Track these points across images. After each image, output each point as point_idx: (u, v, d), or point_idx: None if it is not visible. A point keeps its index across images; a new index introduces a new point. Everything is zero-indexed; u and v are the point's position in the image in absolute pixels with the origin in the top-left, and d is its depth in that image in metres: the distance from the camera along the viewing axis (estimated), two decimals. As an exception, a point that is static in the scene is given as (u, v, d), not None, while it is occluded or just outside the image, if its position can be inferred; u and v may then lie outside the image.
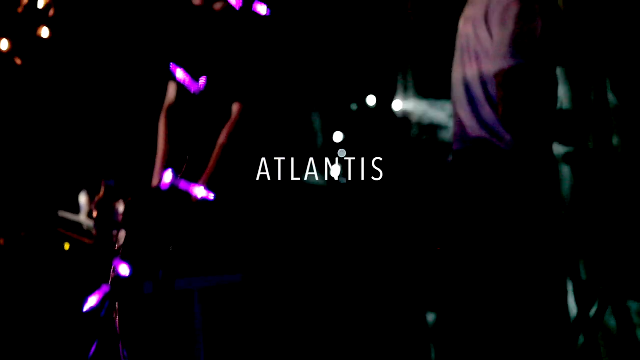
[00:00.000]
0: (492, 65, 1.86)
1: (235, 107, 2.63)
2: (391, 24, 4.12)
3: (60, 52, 3.28)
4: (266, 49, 2.47)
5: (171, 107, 2.96)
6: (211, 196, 1.85)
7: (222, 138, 2.56)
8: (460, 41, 2.04)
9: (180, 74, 1.88)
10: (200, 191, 1.85)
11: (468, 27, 1.99)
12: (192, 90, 1.93)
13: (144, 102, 3.28)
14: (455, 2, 2.26)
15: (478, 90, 1.97)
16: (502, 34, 1.86)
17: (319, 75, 3.96)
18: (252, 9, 1.99)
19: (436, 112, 4.10)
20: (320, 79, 4.00)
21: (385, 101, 4.23)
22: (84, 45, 3.32)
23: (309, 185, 3.51)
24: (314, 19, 3.83)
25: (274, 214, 2.95)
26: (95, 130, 3.52)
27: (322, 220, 3.64)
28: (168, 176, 1.83)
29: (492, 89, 1.92)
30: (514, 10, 1.85)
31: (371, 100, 4.28)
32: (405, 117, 4.17)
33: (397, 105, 4.17)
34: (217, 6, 2.74)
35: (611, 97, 3.94)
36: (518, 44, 1.82)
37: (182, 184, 1.84)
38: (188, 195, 1.85)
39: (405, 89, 4.18)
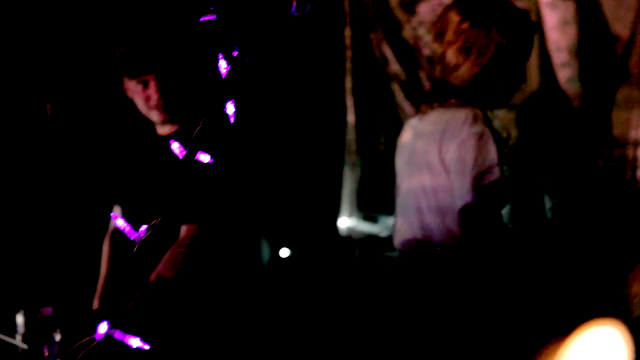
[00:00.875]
0: (451, 199, 1.92)
1: (183, 230, 2.52)
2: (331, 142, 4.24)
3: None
4: (211, 180, 2.44)
5: (116, 230, 2.93)
6: (146, 347, 1.82)
7: (161, 264, 2.42)
8: (405, 153, 2.08)
9: (120, 222, 1.88)
10: (135, 342, 1.82)
11: (420, 142, 2.04)
12: (132, 238, 1.92)
13: (86, 225, 3.25)
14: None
15: (424, 201, 2.01)
16: (460, 168, 1.92)
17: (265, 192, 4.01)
18: (195, 157, 2.02)
19: (378, 228, 4.16)
20: (266, 196, 4.05)
21: (329, 217, 4.29)
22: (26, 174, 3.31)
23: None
24: (258, 140, 3.92)
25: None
26: (34, 252, 3.46)
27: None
28: (103, 327, 1.81)
29: (439, 201, 1.96)
30: (470, 145, 1.91)
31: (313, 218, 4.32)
32: (349, 235, 4.22)
33: (342, 222, 4.23)
34: (163, 131, 2.75)
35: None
36: (477, 182, 1.89)
37: (117, 334, 1.81)
38: (124, 344, 1.81)
39: (349, 206, 4.24)
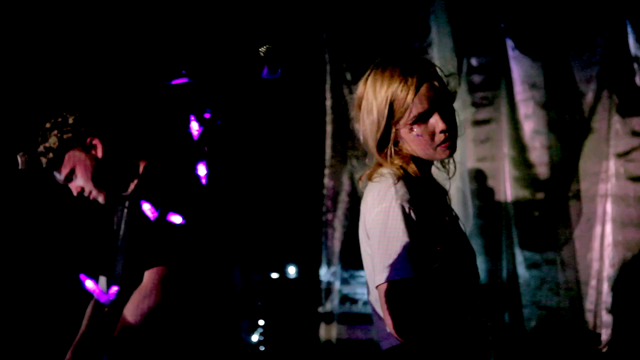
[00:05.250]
0: (373, 274, 1.85)
1: (146, 275, 2.28)
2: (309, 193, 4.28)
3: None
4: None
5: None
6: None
7: (126, 312, 2.31)
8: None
9: (89, 284, 1.87)
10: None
11: (361, 210, 1.99)
12: (102, 301, 1.91)
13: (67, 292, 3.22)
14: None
15: (367, 269, 1.95)
16: (373, 248, 1.79)
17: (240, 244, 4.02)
18: (167, 218, 2.03)
19: (359, 283, 4.16)
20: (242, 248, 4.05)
21: (307, 270, 4.30)
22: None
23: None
24: (238, 188, 3.94)
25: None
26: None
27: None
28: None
29: (367, 271, 1.90)
30: (378, 223, 1.77)
31: (292, 270, 4.33)
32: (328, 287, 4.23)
33: (320, 274, 4.24)
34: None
35: (521, 271, 4.11)
36: (385, 260, 1.73)
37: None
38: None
39: (329, 259, 4.26)
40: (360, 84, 1.86)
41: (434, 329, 1.77)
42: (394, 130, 1.82)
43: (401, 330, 1.71)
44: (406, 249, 1.72)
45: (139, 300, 2.17)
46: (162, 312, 2.20)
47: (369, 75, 1.84)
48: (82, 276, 1.92)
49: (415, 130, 1.80)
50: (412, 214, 1.75)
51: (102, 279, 2.53)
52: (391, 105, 1.79)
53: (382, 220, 1.76)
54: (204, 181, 2.07)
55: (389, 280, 1.71)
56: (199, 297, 2.35)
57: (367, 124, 1.83)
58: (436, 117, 1.80)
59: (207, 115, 2.04)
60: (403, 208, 1.74)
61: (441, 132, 1.80)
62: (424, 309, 1.73)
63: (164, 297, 2.18)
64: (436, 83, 1.81)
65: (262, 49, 1.92)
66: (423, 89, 1.78)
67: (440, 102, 1.80)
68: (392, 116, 1.79)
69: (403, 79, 1.79)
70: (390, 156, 1.83)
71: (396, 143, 1.84)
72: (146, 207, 2.02)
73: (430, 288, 1.75)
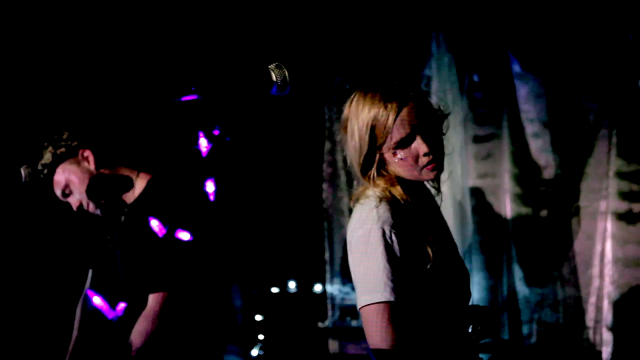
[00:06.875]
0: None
1: (151, 299, 2.36)
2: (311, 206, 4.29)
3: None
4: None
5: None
6: None
7: (133, 335, 2.36)
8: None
9: (97, 300, 1.88)
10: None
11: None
12: (110, 317, 1.92)
13: (59, 291, 3.22)
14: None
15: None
16: (355, 271, 1.80)
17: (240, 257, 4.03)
18: (175, 235, 2.03)
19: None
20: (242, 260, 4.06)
21: (307, 285, 4.31)
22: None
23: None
24: (242, 200, 3.96)
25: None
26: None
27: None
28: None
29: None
30: (356, 247, 1.78)
31: (292, 284, 4.34)
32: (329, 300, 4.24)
33: (319, 288, 4.25)
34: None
35: (521, 287, 4.12)
36: (364, 284, 1.75)
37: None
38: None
39: (331, 274, 4.27)
40: (345, 107, 1.87)
41: (416, 351, 1.77)
42: (377, 154, 1.82)
43: (378, 353, 1.72)
44: (385, 273, 1.72)
45: (145, 325, 2.24)
46: (164, 332, 2.25)
47: (352, 99, 1.85)
48: (89, 292, 1.92)
49: (398, 154, 1.80)
50: (393, 237, 1.75)
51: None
52: (372, 130, 1.79)
53: (362, 243, 1.76)
54: (211, 198, 2.08)
55: (368, 304, 1.73)
56: (196, 315, 2.40)
57: (350, 147, 1.84)
58: (419, 141, 1.79)
59: (216, 132, 2.05)
60: (383, 232, 1.74)
61: (424, 155, 1.80)
62: (406, 331, 1.73)
63: (166, 320, 2.23)
64: (417, 106, 1.80)
65: (272, 66, 1.92)
66: (403, 114, 1.78)
67: (422, 125, 1.80)
68: (374, 141, 1.79)
69: (383, 104, 1.78)
70: (374, 179, 1.83)
71: (382, 165, 1.84)
72: (154, 224, 2.03)
73: (414, 309, 1.76)
